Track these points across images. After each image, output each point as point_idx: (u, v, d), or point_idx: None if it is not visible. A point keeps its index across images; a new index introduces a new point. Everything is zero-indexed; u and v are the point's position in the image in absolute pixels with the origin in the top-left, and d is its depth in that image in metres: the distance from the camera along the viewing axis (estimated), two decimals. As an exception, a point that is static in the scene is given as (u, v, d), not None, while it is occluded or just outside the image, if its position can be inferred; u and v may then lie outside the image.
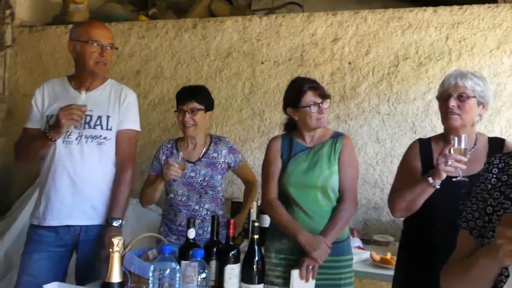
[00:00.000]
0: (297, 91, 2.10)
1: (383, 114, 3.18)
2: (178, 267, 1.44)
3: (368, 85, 3.21)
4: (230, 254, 1.61)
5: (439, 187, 1.75)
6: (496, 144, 1.90)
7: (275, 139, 2.22)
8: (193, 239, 1.68)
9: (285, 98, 2.19)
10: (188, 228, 1.68)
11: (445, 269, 1.01)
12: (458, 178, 1.73)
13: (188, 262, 1.50)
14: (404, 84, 3.14)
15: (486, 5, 3.02)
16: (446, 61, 3.06)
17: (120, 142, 2.19)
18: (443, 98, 1.87)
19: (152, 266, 1.42)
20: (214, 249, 1.67)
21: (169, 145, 2.45)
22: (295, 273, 1.95)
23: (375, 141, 3.19)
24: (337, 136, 2.15)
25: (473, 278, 0.86)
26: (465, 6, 3.06)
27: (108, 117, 2.16)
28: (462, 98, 1.82)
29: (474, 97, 1.83)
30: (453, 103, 1.82)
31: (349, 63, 3.26)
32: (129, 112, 2.23)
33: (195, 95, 2.35)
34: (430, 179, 1.74)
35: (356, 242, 2.72)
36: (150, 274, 1.41)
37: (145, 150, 3.71)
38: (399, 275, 2.00)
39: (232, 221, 1.65)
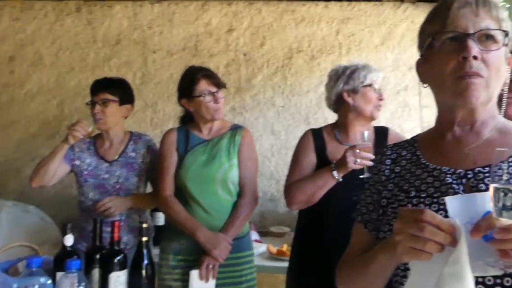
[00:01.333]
0: (190, 80, 1.99)
1: (278, 106, 3.19)
2: (49, 282, 1.24)
3: (263, 77, 3.20)
4: (115, 260, 1.45)
5: (341, 179, 1.74)
6: (381, 133, 1.96)
7: (170, 131, 2.10)
8: (71, 246, 1.48)
9: (179, 88, 2.07)
10: (65, 234, 1.47)
11: (341, 265, 0.97)
12: (365, 175, 1.69)
13: (64, 273, 1.31)
14: (298, 76, 3.18)
15: (372, 3, 3.17)
16: (337, 54, 3.16)
17: None
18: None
19: (15, 284, 1.20)
20: (97, 256, 1.49)
21: (87, 140, 2.22)
22: (194, 273, 1.85)
23: (270, 133, 3.19)
24: (236, 128, 2.08)
25: (372, 274, 0.83)
26: (353, 3, 3.18)
27: None
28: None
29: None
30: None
31: (244, 55, 3.22)
32: None
33: (109, 86, 2.15)
34: (335, 173, 1.72)
35: (253, 235, 2.68)
36: (14, 293, 1.19)
37: (22, 145, 3.31)
38: (293, 265, 1.99)
39: (116, 223, 1.48)
